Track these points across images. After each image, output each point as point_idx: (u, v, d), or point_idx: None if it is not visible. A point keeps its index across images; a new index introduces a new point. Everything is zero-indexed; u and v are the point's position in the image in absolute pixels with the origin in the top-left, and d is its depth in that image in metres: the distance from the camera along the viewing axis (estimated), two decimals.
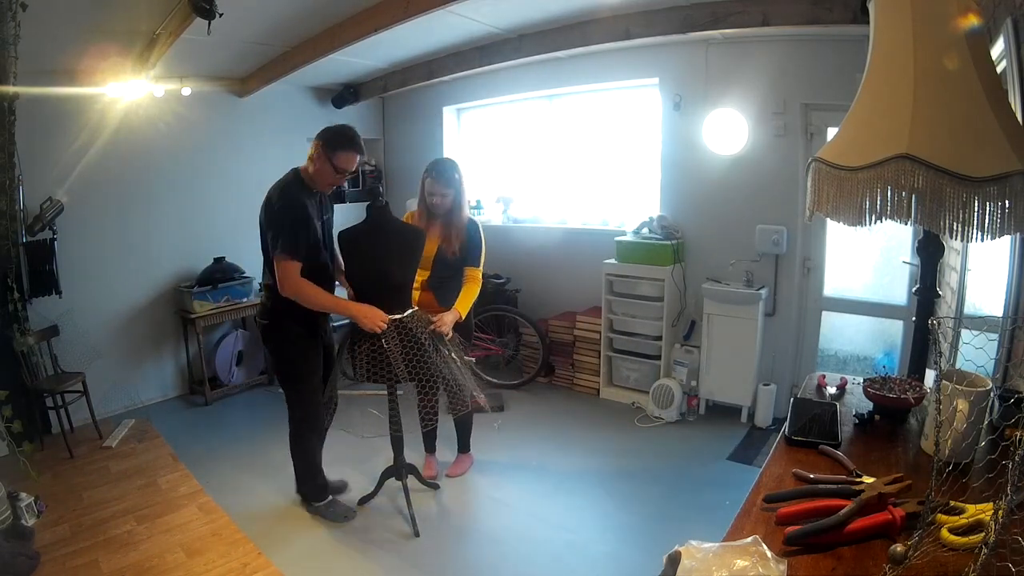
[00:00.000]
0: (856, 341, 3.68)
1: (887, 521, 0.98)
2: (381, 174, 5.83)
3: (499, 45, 4.06)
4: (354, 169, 2.49)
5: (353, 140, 2.43)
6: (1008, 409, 1.13)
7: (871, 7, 1.37)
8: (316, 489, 2.81)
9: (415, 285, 2.79)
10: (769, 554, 0.90)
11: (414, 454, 3.03)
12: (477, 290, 2.86)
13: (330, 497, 2.84)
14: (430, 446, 3.22)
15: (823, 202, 1.28)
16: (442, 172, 2.81)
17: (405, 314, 2.57)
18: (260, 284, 2.67)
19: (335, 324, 4.77)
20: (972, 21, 1.21)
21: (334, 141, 2.41)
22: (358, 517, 2.81)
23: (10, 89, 3.01)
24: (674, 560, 0.92)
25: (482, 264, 2.91)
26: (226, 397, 4.40)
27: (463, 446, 3.22)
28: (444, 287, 2.87)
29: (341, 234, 2.69)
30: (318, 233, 2.54)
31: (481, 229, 2.92)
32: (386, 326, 2.44)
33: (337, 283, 2.72)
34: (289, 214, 2.38)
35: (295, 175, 2.53)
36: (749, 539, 0.93)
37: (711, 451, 3.37)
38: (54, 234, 3.64)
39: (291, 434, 2.73)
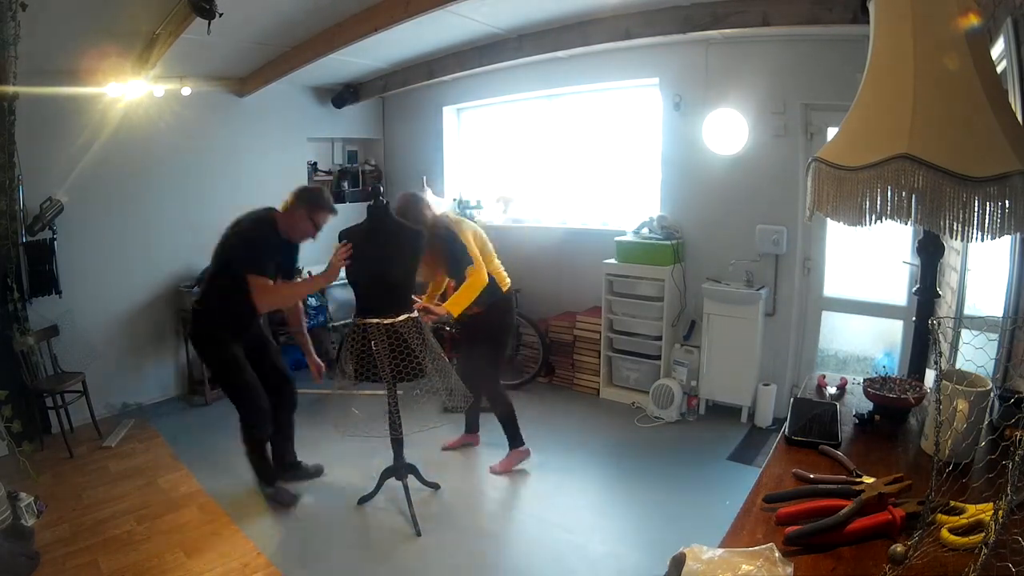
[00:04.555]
0: (856, 341, 3.68)
1: (887, 521, 0.98)
2: (381, 174, 5.84)
3: (499, 45, 4.06)
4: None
5: (330, 202, 2.77)
6: (1008, 409, 1.13)
7: (871, 7, 1.37)
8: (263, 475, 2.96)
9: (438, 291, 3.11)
10: (777, 555, 0.90)
11: (415, 453, 3.03)
12: (474, 287, 2.87)
13: (276, 484, 2.96)
14: (470, 427, 3.46)
15: (823, 202, 1.28)
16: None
17: (398, 319, 2.59)
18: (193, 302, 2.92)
19: (335, 324, 4.79)
20: (972, 21, 1.21)
21: (316, 203, 2.71)
22: (359, 517, 2.82)
23: (10, 89, 3.02)
24: (678, 562, 0.92)
25: (477, 260, 2.89)
26: (226, 397, 4.39)
27: (511, 442, 3.22)
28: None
29: (341, 234, 2.71)
30: (272, 270, 2.75)
31: (457, 234, 2.92)
32: (347, 256, 2.57)
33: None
34: (260, 241, 2.68)
35: (268, 215, 2.76)
36: (766, 546, 0.93)
37: (711, 451, 3.37)
38: (54, 234, 3.65)
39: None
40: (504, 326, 3.16)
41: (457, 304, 2.87)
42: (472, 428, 3.48)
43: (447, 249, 2.92)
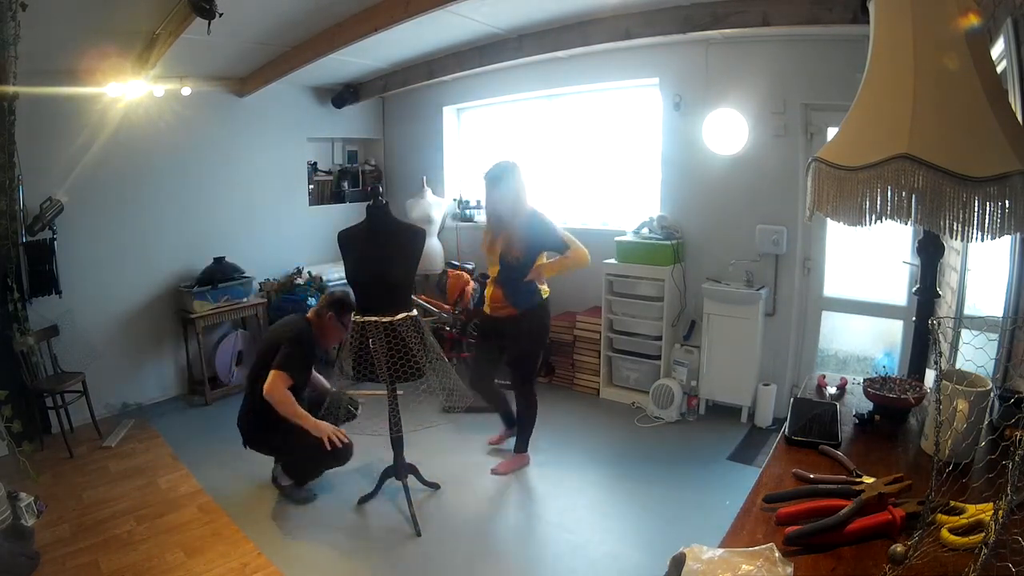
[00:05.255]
0: (856, 341, 3.68)
1: (887, 521, 0.98)
2: (381, 174, 5.84)
3: (499, 45, 4.06)
4: None
5: (354, 304, 2.85)
6: (1008, 409, 1.13)
7: (871, 7, 1.37)
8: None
9: (490, 281, 3.09)
10: (777, 555, 0.90)
11: (415, 453, 3.03)
12: (573, 260, 2.94)
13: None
14: (507, 422, 3.41)
15: (823, 202, 1.28)
16: (490, 178, 2.99)
17: (396, 317, 2.59)
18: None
19: None
20: (972, 21, 1.21)
21: (344, 308, 2.87)
22: (359, 517, 2.82)
23: (10, 89, 3.01)
24: (678, 562, 0.92)
25: (571, 239, 2.97)
26: (226, 397, 4.40)
27: (518, 444, 3.25)
28: (512, 285, 2.99)
29: (341, 234, 2.72)
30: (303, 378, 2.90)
31: (543, 215, 3.00)
32: (335, 440, 2.68)
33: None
34: (300, 350, 2.80)
35: (309, 328, 2.90)
36: (766, 546, 0.93)
37: (711, 451, 3.37)
38: (54, 234, 3.64)
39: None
40: (540, 331, 3.13)
41: (550, 269, 2.96)
42: (511, 422, 3.41)
43: (533, 232, 2.93)
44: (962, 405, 1.12)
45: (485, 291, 3.17)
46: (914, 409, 1.41)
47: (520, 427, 3.25)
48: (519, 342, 3.08)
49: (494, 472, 3.16)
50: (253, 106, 4.69)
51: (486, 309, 3.14)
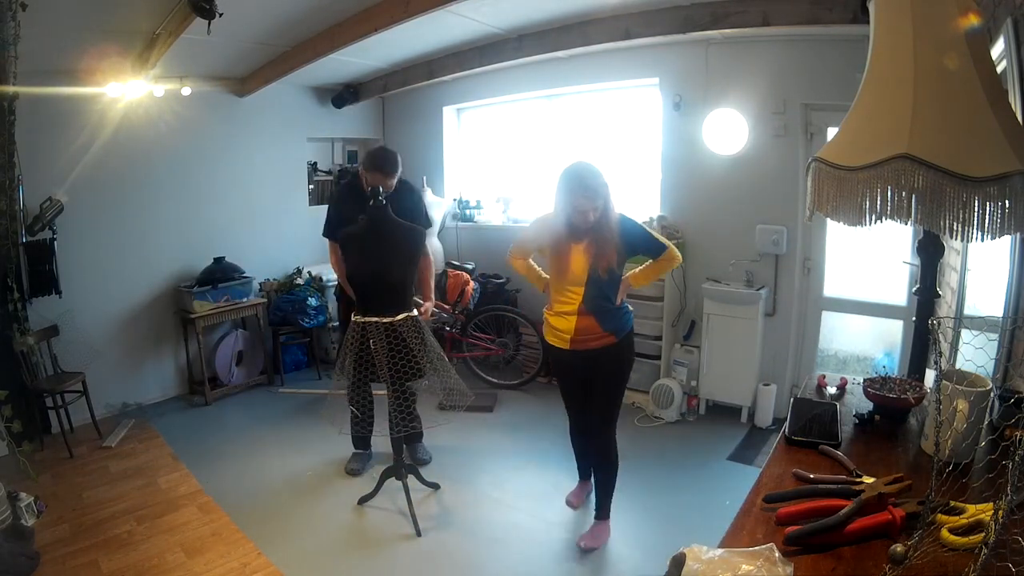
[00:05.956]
0: (856, 341, 3.68)
1: (887, 521, 0.98)
2: None
3: (499, 45, 4.06)
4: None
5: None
6: (1008, 409, 1.13)
7: (871, 7, 1.37)
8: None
9: (569, 309, 2.36)
10: (777, 555, 0.90)
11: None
12: (668, 261, 2.43)
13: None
14: (584, 472, 2.85)
15: (823, 202, 1.28)
16: (572, 174, 2.29)
17: (397, 318, 2.59)
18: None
19: (335, 324, 4.79)
20: (972, 21, 1.21)
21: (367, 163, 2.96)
22: (359, 517, 2.82)
23: (10, 89, 3.02)
24: (678, 562, 0.92)
25: (665, 241, 2.44)
26: (226, 397, 4.40)
27: (599, 511, 2.61)
28: (605, 307, 2.37)
29: (341, 234, 2.72)
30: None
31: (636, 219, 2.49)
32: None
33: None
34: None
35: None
36: (766, 546, 0.93)
37: (711, 451, 3.37)
38: (54, 234, 3.64)
39: None
40: (632, 361, 2.57)
41: (645, 276, 2.48)
42: (586, 475, 2.87)
43: (627, 237, 2.37)
44: (962, 405, 1.12)
45: (553, 322, 2.45)
46: (914, 409, 1.41)
47: (600, 485, 2.60)
48: (616, 376, 2.47)
49: (580, 545, 2.54)
50: (253, 106, 4.69)
51: (561, 344, 2.41)
